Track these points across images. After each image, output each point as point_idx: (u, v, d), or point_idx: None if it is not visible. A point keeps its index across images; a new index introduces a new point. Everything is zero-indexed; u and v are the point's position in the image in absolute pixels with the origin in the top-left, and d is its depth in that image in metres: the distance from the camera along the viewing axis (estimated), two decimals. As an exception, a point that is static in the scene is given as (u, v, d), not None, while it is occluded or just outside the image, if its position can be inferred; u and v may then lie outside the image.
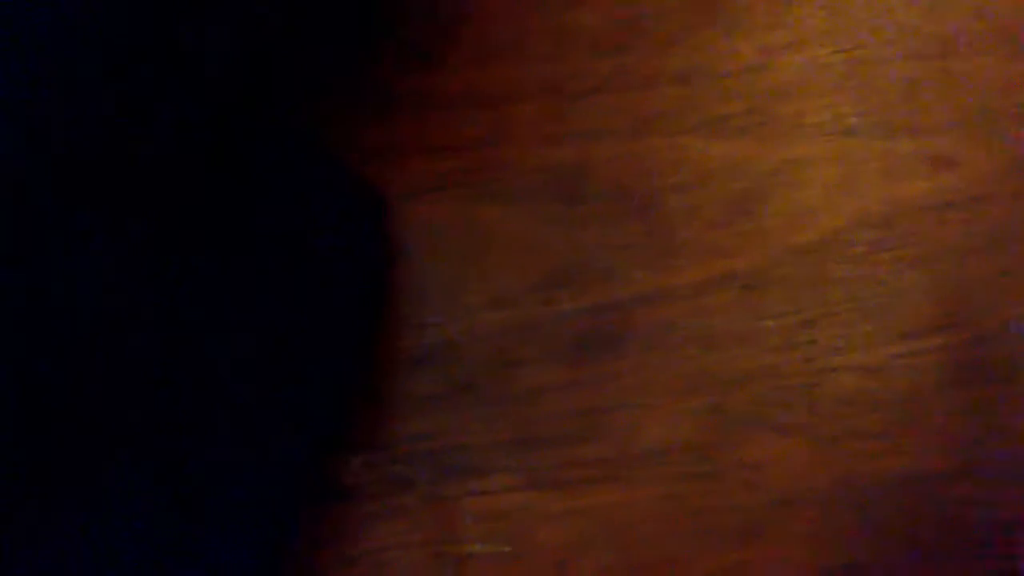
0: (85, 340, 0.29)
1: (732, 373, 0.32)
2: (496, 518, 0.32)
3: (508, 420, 0.32)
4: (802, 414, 0.31)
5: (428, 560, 0.32)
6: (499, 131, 0.33)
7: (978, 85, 0.32)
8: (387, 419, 0.33)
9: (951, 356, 0.31)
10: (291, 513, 0.33)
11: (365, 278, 0.34)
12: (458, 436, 0.32)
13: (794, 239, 0.32)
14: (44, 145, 0.28)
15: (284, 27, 0.32)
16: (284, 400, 0.33)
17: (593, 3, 0.33)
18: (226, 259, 0.31)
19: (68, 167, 0.28)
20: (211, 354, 0.31)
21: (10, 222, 0.28)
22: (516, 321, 0.33)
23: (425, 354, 0.33)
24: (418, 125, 0.33)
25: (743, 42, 0.33)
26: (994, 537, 0.30)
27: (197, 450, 0.31)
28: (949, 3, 0.32)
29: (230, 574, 0.32)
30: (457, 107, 0.33)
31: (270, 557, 0.33)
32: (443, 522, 0.32)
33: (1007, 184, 0.32)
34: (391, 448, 0.33)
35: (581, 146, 0.33)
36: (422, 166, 0.33)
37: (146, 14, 0.29)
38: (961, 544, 0.30)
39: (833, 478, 0.31)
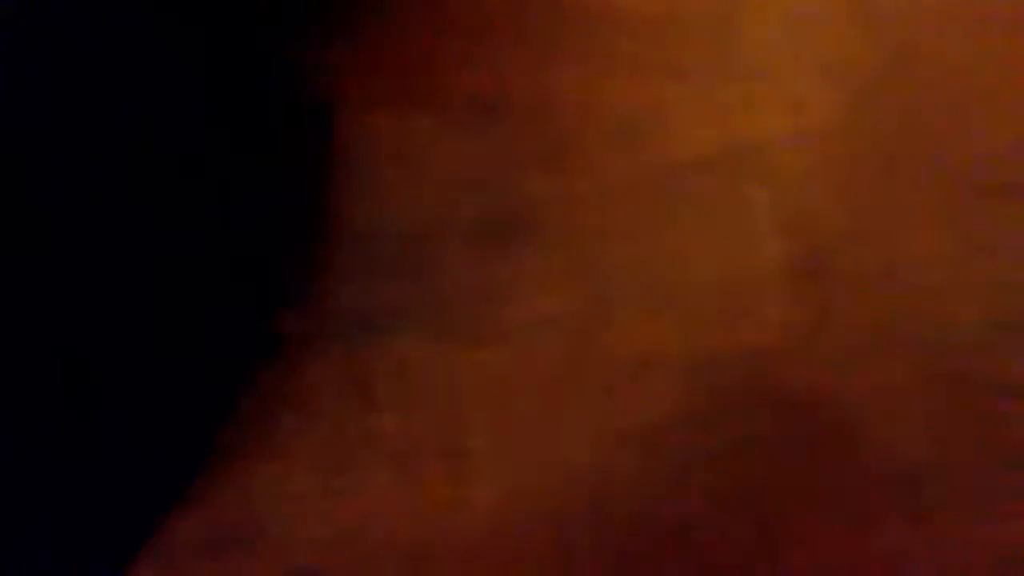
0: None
1: (612, 264, 0.38)
2: (402, 366, 0.38)
3: (420, 288, 0.38)
4: (665, 298, 0.38)
5: (344, 398, 0.38)
6: (434, 58, 0.40)
7: (829, 42, 0.40)
8: (318, 281, 0.39)
9: (789, 259, 0.38)
10: (234, 354, 0.39)
11: (311, 169, 0.40)
12: (376, 300, 0.38)
13: (668, 159, 0.39)
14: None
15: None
16: (239, 260, 0.39)
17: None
18: (188, 142, 0.37)
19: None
20: (169, 218, 0.37)
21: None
22: (437, 211, 0.39)
23: (355, 233, 0.39)
24: (368, 50, 0.41)
25: None
26: (801, 402, 0.36)
27: (148, 297, 0.36)
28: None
29: (173, 406, 0.37)
30: (403, 38, 0.40)
31: (212, 391, 0.38)
32: (358, 368, 0.38)
33: (848, 123, 0.39)
34: (323, 306, 0.39)
35: (500, 72, 0.40)
36: (368, 83, 0.40)
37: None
38: (778, 406, 0.36)
39: (685, 347, 0.37)
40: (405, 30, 0.41)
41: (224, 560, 0.36)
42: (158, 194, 0.35)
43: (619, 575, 0.35)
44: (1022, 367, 0.36)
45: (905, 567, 0.34)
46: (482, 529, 0.36)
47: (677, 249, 0.38)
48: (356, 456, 0.37)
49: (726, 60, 0.40)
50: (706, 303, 0.37)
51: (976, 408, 0.36)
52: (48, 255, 0.32)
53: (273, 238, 0.40)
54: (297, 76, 0.40)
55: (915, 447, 0.35)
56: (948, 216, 0.37)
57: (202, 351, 0.38)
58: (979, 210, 0.38)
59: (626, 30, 0.40)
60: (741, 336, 0.37)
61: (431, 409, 0.37)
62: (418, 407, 0.37)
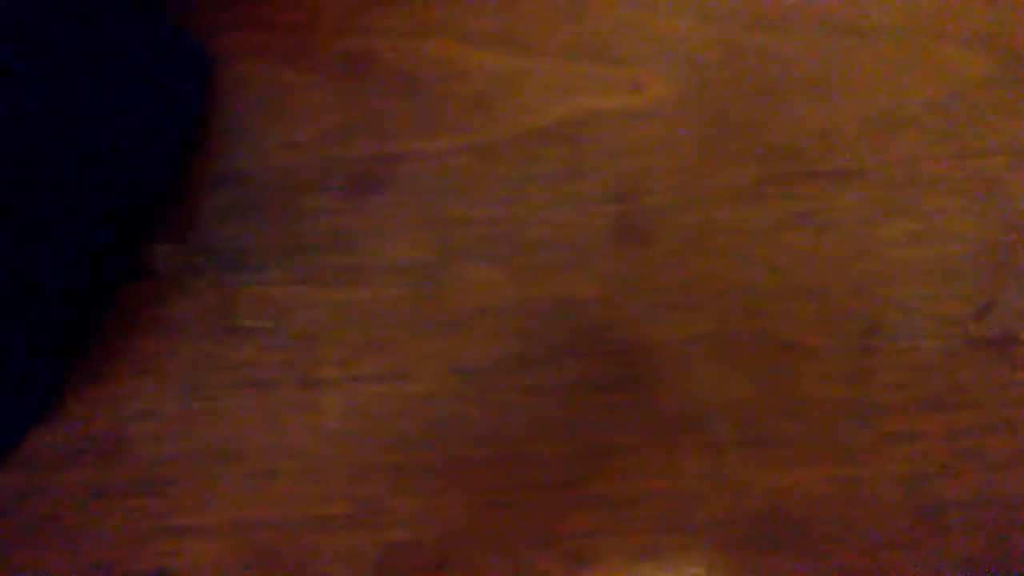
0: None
1: (460, 217, 0.42)
2: (265, 302, 0.41)
3: (285, 232, 0.41)
4: (505, 250, 0.41)
5: (209, 328, 0.41)
6: (312, 18, 0.43)
7: (670, 29, 0.43)
8: (191, 221, 0.41)
9: (619, 221, 0.42)
10: (104, 285, 0.41)
11: (187, 115, 0.42)
12: (244, 241, 0.41)
13: (518, 126, 0.42)
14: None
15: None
16: (111, 194, 0.41)
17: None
18: (74, 84, 0.39)
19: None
20: (59, 151, 0.39)
21: None
22: (302, 160, 0.42)
23: (227, 177, 0.42)
24: (248, 7, 0.43)
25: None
26: (618, 347, 0.40)
27: (27, 226, 0.38)
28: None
29: (41, 336, 0.39)
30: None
31: (81, 321, 0.41)
32: (223, 302, 0.41)
33: (678, 105, 0.43)
34: (190, 243, 0.41)
35: (373, 38, 0.43)
36: (245, 38, 0.43)
37: None
38: (598, 350, 0.40)
39: (521, 296, 0.41)
40: (284, -10, 0.43)
41: (86, 469, 0.39)
42: (37, 122, 0.37)
43: (451, 493, 0.39)
44: (810, 331, 0.40)
45: (692, 495, 0.39)
46: (328, 451, 0.39)
47: (519, 209, 0.42)
48: (216, 382, 0.40)
49: (575, 40, 0.43)
50: (539, 258, 0.41)
51: (767, 364, 0.40)
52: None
53: (151, 176, 0.42)
54: (178, 28, 0.42)
55: (711, 394, 0.40)
56: (757, 193, 0.42)
57: (69, 274, 0.40)
58: (786, 189, 0.42)
59: (487, 8, 0.43)
60: (568, 289, 0.41)
61: (289, 342, 0.40)
62: (276, 340, 0.40)
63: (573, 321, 0.40)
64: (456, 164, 0.42)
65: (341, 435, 0.39)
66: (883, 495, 0.38)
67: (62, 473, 0.38)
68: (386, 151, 0.42)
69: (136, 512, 0.38)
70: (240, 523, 0.38)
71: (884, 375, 0.40)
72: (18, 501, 0.38)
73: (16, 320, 0.38)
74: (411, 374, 0.40)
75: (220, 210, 0.41)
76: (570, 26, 0.43)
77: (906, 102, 0.43)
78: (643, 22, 0.43)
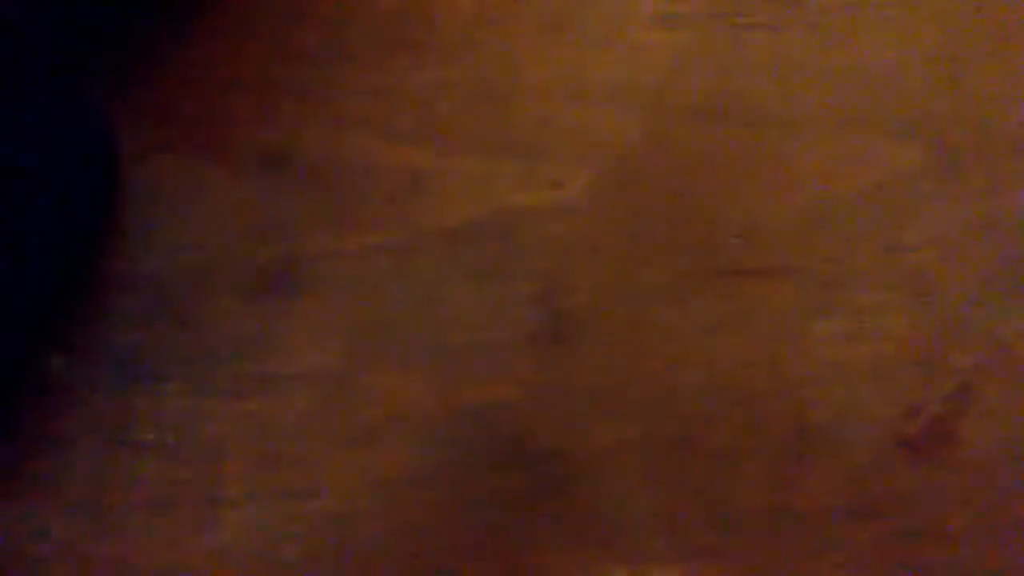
0: None
1: (375, 320, 0.40)
2: (164, 415, 0.38)
3: (187, 339, 0.39)
4: (421, 356, 0.40)
5: (103, 443, 0.38)
6: (225, 112, 0.41)
7: (594, 123, 0.42)
8: (85, 327, 0.39)
9: (538, 325, 0.40)
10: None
11: (90, 210, 0.40)
12: (142, 348, 0.39)
13: (438, 225, 0.41)
14: None
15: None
16: (5, 297, 0.39)
17: (313, 25, 0.42)
18: None
19: None
20: None
21: None
22: (207, 261, 0.40)
23: (132, 280, 0.40)
24: (159, 100, 0.41)
25: (428, 70, 0.42)
26: (541, 456, 0.38)
27: None
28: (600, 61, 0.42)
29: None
30: (193, 88, 0.41)
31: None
32: (119, 414, 0.38)
33: (600, 202, 0.42)
34: (84, 351, 0.39)
35: (286, 133, 0.41)
36: (156, 132, 0.41)
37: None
38: (520, 460, 0.38)
39: (438, 404, 0.39)
40: (199, 81, 0.41)
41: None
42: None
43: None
44: (738, 436, 0.39)
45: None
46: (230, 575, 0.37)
47: (436, 311, 0.40)
48: (110, 501, 0.37)
49: (495, 136, 0.42)
50: (458, 362, 0.39)
51: (696, 472, 0.39)
52: None
53: (44, 277, 0.40)
54: (85, 118, 0.41)
55: (638, 506, 0.38)
56: (683, 292, 0.41)
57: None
58: (712, 288, 0.41)
59: (408, 101, 0.42)
60: (488, 394, 0.39)
61: (189, 458, 0.38)
62: (177, 455, 0.38)
63: (494, 430, 0.38)
64: (370, 265, 0.40)
65: (244, 558, 0.37)
66: (818, 611, 0.37)
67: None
68: (296, 251, 0.40)
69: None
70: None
71: (815, 481, 0.38)
72: None
73: None
74: (320, 490, 0.38)
75: (117, 315, 0.39)
76: (490, 122, 0.42)
77: (835, 195, 0.42)
78: (564, 116, 0.42)
